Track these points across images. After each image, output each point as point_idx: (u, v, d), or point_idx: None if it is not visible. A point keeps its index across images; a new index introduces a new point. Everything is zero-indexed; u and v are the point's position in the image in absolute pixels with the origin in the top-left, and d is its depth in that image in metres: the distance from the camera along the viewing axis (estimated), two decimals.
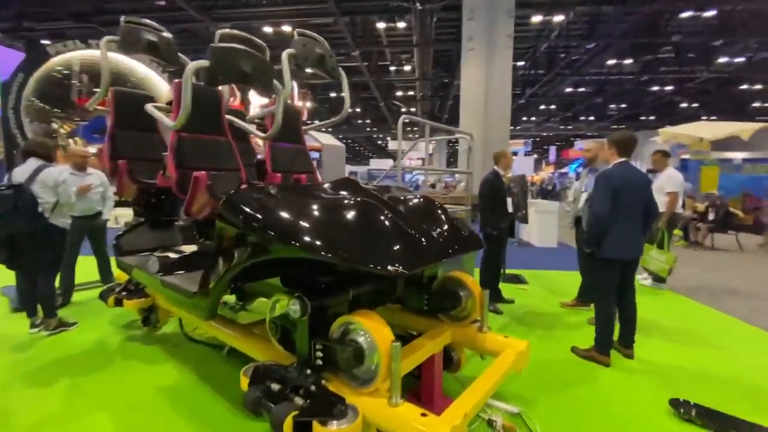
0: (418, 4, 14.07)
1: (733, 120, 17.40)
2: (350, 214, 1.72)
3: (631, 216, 2.78)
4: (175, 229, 3.27)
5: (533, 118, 28.38)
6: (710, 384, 2.64)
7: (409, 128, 32.37)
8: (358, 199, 1.85)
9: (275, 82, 2.44)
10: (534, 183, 24.70)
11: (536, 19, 14.10)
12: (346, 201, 1.84)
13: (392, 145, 34.51)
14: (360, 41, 16.02)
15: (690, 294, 4.77)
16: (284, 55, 2.57)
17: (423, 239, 1.81)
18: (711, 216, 7.90)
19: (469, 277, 2.32)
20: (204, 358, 2.93)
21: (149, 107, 2.58)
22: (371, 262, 1.53)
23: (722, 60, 15.94)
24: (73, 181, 3.66)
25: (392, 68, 20.03)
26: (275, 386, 1.71)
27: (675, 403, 2.28)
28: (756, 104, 21.00)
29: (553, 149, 34.86)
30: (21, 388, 2.53)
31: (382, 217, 1.77)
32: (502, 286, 4.28)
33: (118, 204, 4.61)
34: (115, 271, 3.79)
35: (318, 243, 1.53)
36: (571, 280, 4.65)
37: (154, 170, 3.16)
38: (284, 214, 1.68)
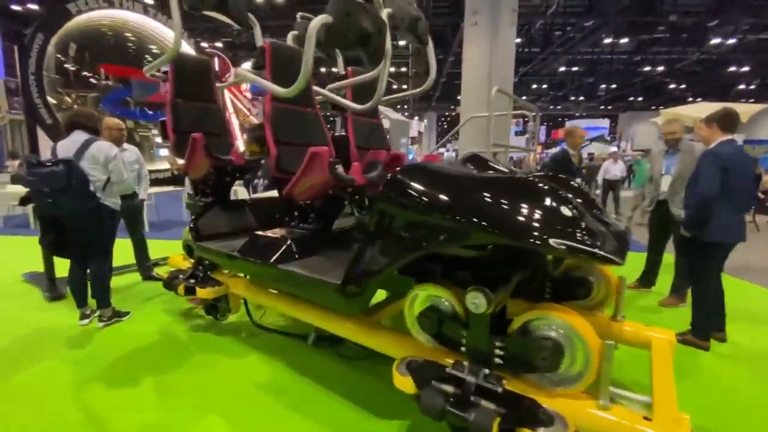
0: None
1: (720, 101, 17.92)
2: (541, 198, 1.52)
3: (737, 197, 2.69)
4: (247, 210, 2.98)
5: (524, 97, 28.32)
6: None
7: (398, 105, 31.78)
8: (538, 181, 1.65)
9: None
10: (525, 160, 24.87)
11: None
12: (524, 182, 1.63)
13: (384, 123, 33.84)
14: None
15: (738, 274, 4.81)
16: (384, 14, 2.28)
17: (608, 226, 1.64)
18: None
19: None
20: (287, 349, 2.72)
21: (242, 71, 2.25)
22: (590, 251, 1.34)
23: (714, 41, 16.15)
24: None
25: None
26: (448, 388, 1.54)
27: None
28: (741, 87, 21.59)
29: (542, 129, 35.12)
30: (100, 390, 2.25)
31: (567, 200, 1.58)
32: None
33: (154, 182, 4.22)
34: (170, 256, 3.49)
35: (537, 232, 1.33)
36: (629, 262, 4.60)
37: (221, 145, 2.85)
38: (482, 196, 1.47)
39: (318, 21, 1.80)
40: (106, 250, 3.06)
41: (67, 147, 2.76)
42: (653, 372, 1.71)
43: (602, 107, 28.37)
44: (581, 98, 27.17)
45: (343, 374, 2.41)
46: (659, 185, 3.67)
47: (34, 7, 13.14)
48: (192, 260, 3.04)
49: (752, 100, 20.68)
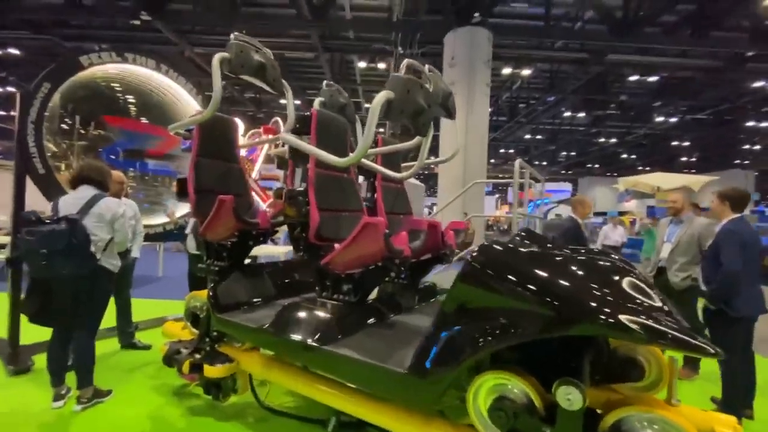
0: (399, 49, 14.64)
1: (665, 171, 19.83)
2: (624, 280, 1.49)
3: (755, 271, 2.82)
4: (266, 276, 2.78)
5: (492, 161, 30.11)
6: None
7: None
8: (611, 260, 1.64)
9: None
10: (498, 221, 25.80)
11: (506, 71, 15.20)
12: (604, 262, 1.60)
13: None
14: (337, 78, 16.29)
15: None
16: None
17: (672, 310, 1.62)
18: None
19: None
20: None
21: (290, 138, 2.20)
22: (695, 341, 1.29)
23: (659, 119, 18.20)
24: None
25: (366, 105, 20.42)
26: None
27: None
28: (683, 158, 24.08)
29: (510, 190, 37.08)
30: None
31: (641, 282, 1.56)
32: None
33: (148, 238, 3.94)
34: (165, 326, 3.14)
35: (654, 324, 1.28)
36: None
37: (243, 207, 2.73)
38: (576, 283, 1.42)
39: (382, 96, 1.84)
40: (95, 318, 2.72)
41: (71, 203, 2.54)
42: None
43: (563, 172, 30.52)
44: (545, 163, 29.21)
45: None
46: (659, 252, 3.83)
47: (15, 52, 13.00)
48: (195, 330, 2.75)
49: (693, 171, 23.01)
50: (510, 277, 1.47)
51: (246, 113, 20.58)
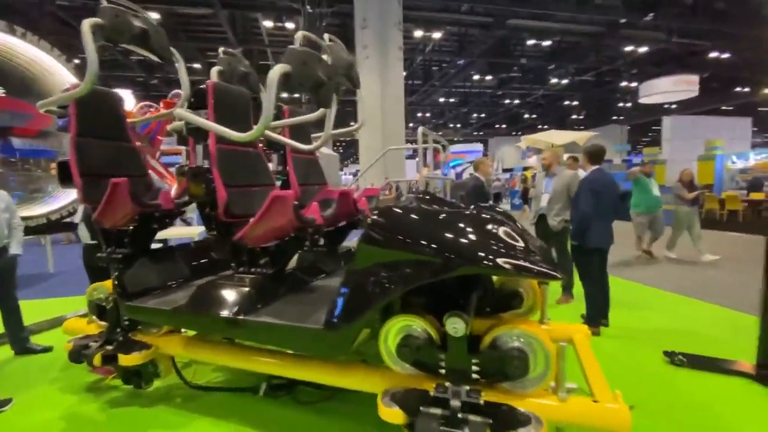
0: (308, 7, 13.93)
1: (560, 128, 22.24)
2: (497, 228, 1.76)
3: (607, 212, 3.45)
4: (178, 258, 2.66)
5: (410, 124, 30.79)
6: (667, 333, 3.46)
7: None
8: (490, 213, 1.90)
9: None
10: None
11: (418, 33, 15.39)
12: (483, 216, 1.86)
13: None
14: (241, 38, 15.09)
15: None
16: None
17: (535, 249, 1.97)
18: None
19: None
20: (237, 407, 2.47)
21: (185, 113, 2.07)
22: (544, 272, 1.61)
23: (553, 81, 20.05)
24: None
25: None
26: (437, 411, 1.66)
27: (667, 354, 2.95)
28: (573, 116, 27.02)
29: (429, 152, 38.38)
30: None
31: (511, 229, 1.87)
32: None
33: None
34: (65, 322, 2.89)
35: (502, 260, 1.55)
36: None
37: (142, 188, 2.55)
38: (458, 232, 1.64)
39: (278, 69, 1.84)
40: None
41: None
42: (582, 362, 2.07)
43: (475, 133, 32.46)
44: (459, 125, 30.71)
45: (306, 422, 2.30)
46: (539, 201, 4.45)
47: None
48: (103, 323, 2.59)
49: (582, 127, 26.05)
50: (402, 235, 1.66)
51: (135, 80, 18.17)
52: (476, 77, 20.25)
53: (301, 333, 1.83)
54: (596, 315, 3.50)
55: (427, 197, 2.25)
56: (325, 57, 2.07)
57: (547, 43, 16.70)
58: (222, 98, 2.32)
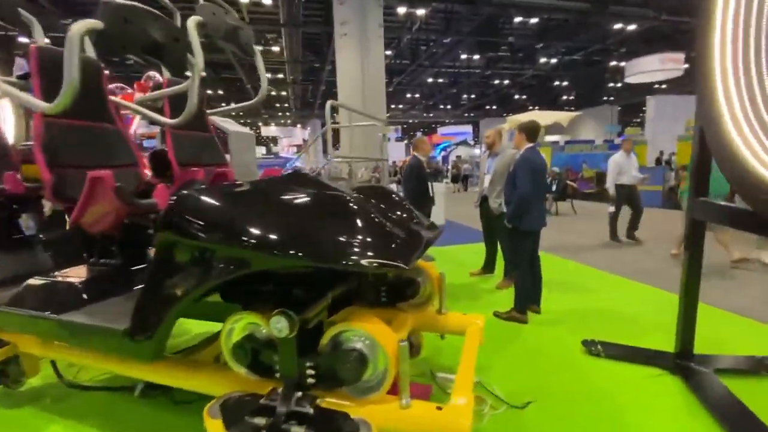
0: None
1: (551, 109, 21.80)
2: (334, 211, 1.55)
3: (541, 192, 3.24)
4: (37, 248, 2.43)
5: (400, 106, 30.22)
6: (600, 322, 3.33)
7: (280, 113, 30.83)
8: (333, 193, 1.68)
9: (189, 56, 1.99)
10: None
11: (402, 10, 14.82)
12: (320, 197, 1.64)
13: (265, 131, 32.36)
14: None
15: (553, 251, 5.84)
16: (191, 23, 2.10)
17: (403, 231, 1.76)
18: (554, 188, 9.76)
19: (424, 262, 2.36)
20: (111, 408, 2.31)
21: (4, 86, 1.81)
22: (373, 262, 1.40)
23: (542, 60, 19.51)
24: None
25: (258, 48, 18.58)
26: (261, 421, 1.46)
27: (586, 343, 2.79)
28: (564, 97, 26.51)
29: (418, 135, 37.85)
30: None
31: (363, 211, 1.65)
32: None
33: None
34: None
35: (322, 249, 1.34)
36: (470, 252, 5.24)
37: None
38: (266, 218, 1.42)
39: (83, 25, 1.57)
40: None
41: None
42: (462, 356, 1.88)
43: (466, 114, 31.92)
44: (449, 107, 30.15)
45: (181, 425, 2.14)
46: (482, 183, 4.23)
47: None
48: None
49: (573, 108, 25.57)
50: (201, 221, 1.43)
51: (110, 60, 17.55)
52: (464, 56, 19.70)
53: (103, 335, 1.62)
54: (525, 301, 3.32)
55: (299, 178, 2.01)
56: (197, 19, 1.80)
57: (534, 20, 16.13)
58: (52, 65, 2.03)
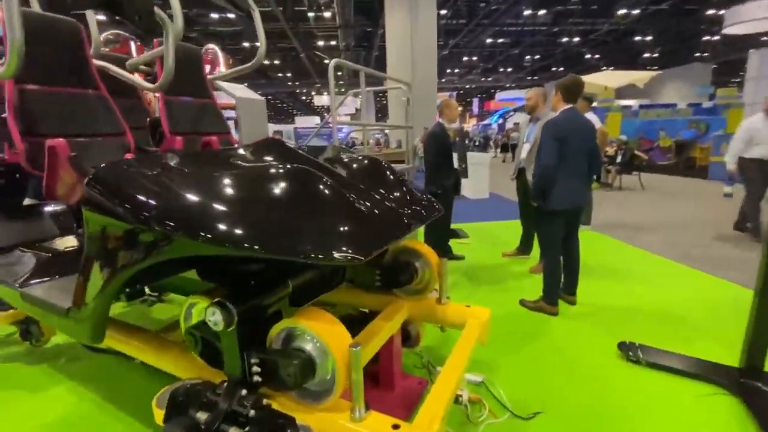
0: None
1: (628, 69, 19.23)
2: (282, 188, 1.32)
3: (576, 164, 2.73)
4: (42, 217, 2.50)
5: (456, 70, 28.57)
6: (646, 320, 2.83)
7: (336, 80, 30.68)
8: (289, 166, 1.44)
9: (158, 12, 1.80)
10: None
11: None
12: (273, 170, 1.41)
13: (318, 100, 32.51)
14: None
15: (608, 231, 5.16)
16: None
17: (377, 212, 1.48)
18: (619, 159, 8.65)
19: (424, 245, 2.07)
20: (111, 372, 2.37)
21: None
22: (316, 252, 1.17)
23: (621, 12, 17.05)
24: None
25: (310, 14, 18.31)
26: (202, 416, 1.33)
27: (623, 347, 2.35)
28: (646, 55, 23.23)
29: (476, 101, 35.74)
30: None
31: (324, 189, 1.39)
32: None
33: None
34: None
35: (240, 233, 1.13)
36: (509, 230, 4.78)
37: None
38: (188, 194, 1.22)
39: None
40: None
41: None
42: (448, 359, 1.63)
43: (529, 78, 29.40)
44: (509, 69, 27.92)
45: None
46: (521, 153, 3.70)
47: None
48: None
49: (656, 67, 22.37)
50: (116, 198, 1.26)
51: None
52: (527, 12, 17.83)
53: (49, 311, 1.56)
54: (554, 291, 2.90)
55: (270, 148, 1.78)
56: None
57: None
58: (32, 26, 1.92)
